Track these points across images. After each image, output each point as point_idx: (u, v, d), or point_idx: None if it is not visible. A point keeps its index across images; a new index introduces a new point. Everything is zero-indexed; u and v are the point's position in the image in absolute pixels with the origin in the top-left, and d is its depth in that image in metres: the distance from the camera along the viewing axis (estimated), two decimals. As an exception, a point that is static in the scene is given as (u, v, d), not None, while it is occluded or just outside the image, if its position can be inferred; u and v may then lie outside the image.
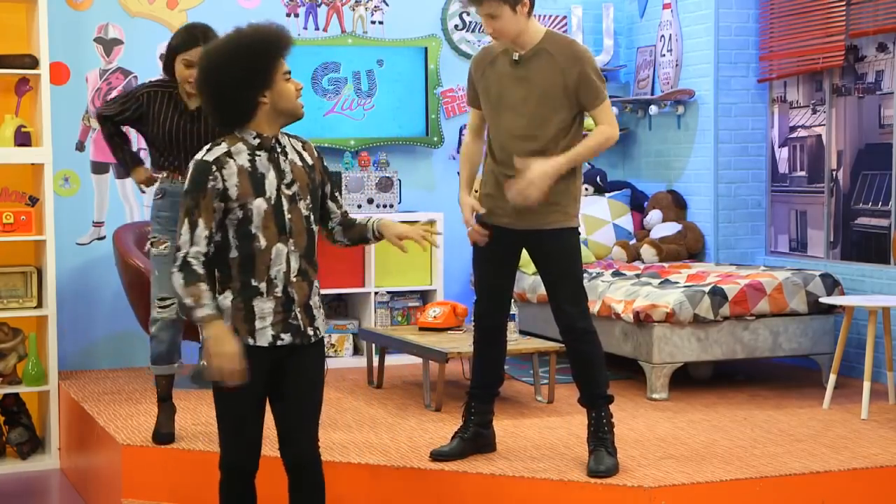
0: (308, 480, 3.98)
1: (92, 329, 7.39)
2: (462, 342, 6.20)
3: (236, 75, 3.80)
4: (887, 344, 6.13)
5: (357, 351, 7.55)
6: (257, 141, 3.88)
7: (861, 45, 6.90)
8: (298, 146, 4.00)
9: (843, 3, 6.91)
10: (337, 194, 4.12)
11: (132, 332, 7.14)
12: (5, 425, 6.82)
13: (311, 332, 3.93)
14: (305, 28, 7.77)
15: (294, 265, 3.90)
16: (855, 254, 6.99)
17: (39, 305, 6.74)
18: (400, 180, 7.70)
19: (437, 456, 5.06)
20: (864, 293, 6.76)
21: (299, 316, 3.91)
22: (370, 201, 7.54)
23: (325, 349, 4.03)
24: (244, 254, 3.84)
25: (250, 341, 3.85)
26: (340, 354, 7.49)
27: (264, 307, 3.86)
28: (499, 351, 5.20)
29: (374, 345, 6.79)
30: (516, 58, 4.89)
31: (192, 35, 5.38)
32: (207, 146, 3.88)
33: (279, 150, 3.92)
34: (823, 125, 7.21)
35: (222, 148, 3.84)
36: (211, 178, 3.79)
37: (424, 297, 7.70)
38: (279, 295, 3.87)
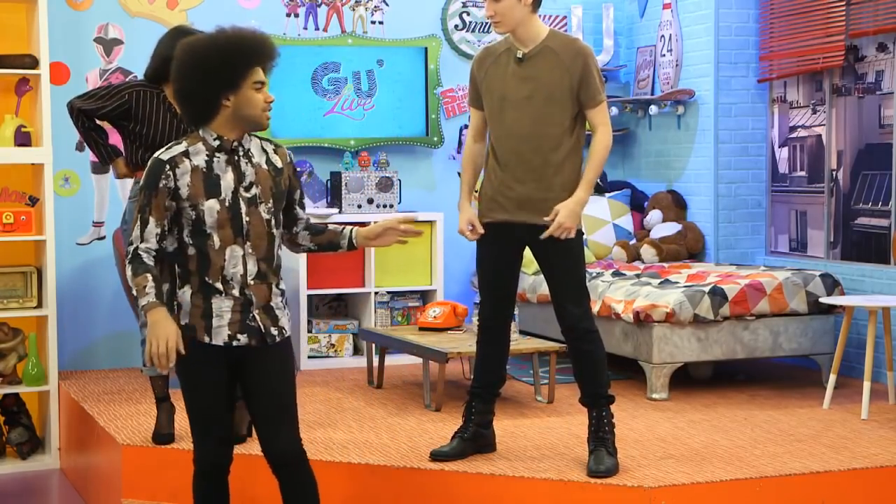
0: (294, 478, 3.96)
1: (92, 329, 7.39)
2: (462, 342, 6.20)
3: (203, 73, 3.79)
4: (887, 344, 6.13)
5: (357, 351, 7.55)
6: (217, 143, 3.87)
7: (861, 45, 6.90)
8: (270, 149, 3.97)
9: (843, 3, 6.91)
10: (303, 200, 4.09)
11: (132, 332, 7.13)
12: (5, 425, 6.82)
13: (274, 332, 3.92)
14: (305, 28, 7.76)
15: (251, 268, 3.88)
16: (855, 254, 6.99)
17: (39, 305, 6.74)
18: (400, 180, 7.70)
19: (436, 456, 5.06)
20: (864, 293, 6.76)
21: (258, 318, 3.89)
22: (370, 201, 7.54)
23: (292, 347, 4.03)
24: (199, 252, 3.86)
25: (206, 339, 3.86)
26: (340, 354, 7.49)
27: (222, 305, 3.87)
28: (501, 351, 5.19)
29: (374, 345, 6.79)
30: (520, 56, 4.88)
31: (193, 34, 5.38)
32: (168, 144, 3.90)
33: (242, 153, 3.89)
34: (823, 125, 7.21)
35: (181, 147, 3.86)
36: (163, 177, 3.81)
37: (424, 297, 7.69)
38: (237, 296, 3.87)
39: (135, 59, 7.36)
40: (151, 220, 3.81)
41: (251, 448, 3.96)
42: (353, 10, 7.88)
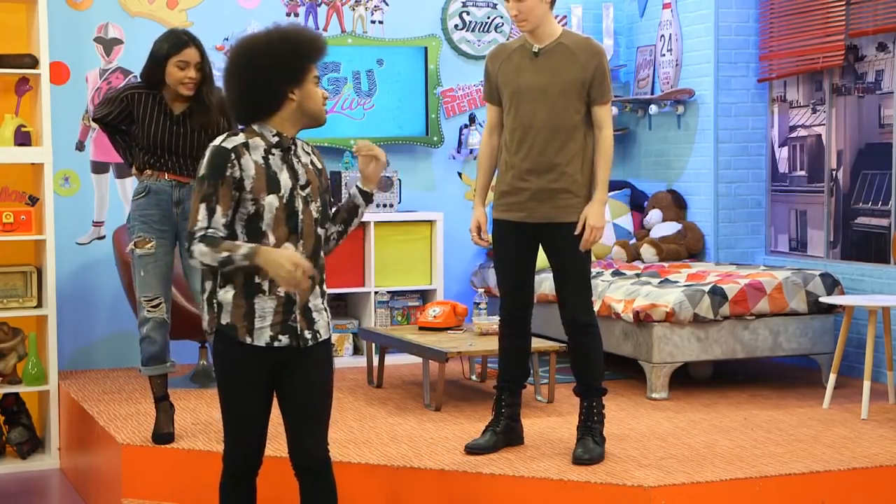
0: (318, 485, 3.94)
1: (92, 329, 7.39)
2: (462, 342, 6.20)
3: (273, 65, 3.77)
4: (887, 344, 6.13)
5: (357, 351, 7.55)
6: (276, 139, 3.84)
7: (861, 45, 6.90)
8: (309, 149, 3.97)
9: (843, 2, 6.91)
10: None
11: (132, 332, 7.10)
12: (5, 425, 6.82)
13: (308, 336, 3.88)
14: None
15: None
16: (855, 253, 6.99)
17: (39, 305, 6.74)
18: (400, 180, 7.70)
19: (472, 449, 5.13)
20: (864, 293, 6.76)
21: (297, 318, 3.85)
22: (370, 201, 7.54)
23: (331, 353, 3.98)
24: None
25: (248, 340, 3.81)
26: (340, 354, 7.50)
27: (265, 306, 3.81)
28: (525, 344, 5.29)
29: (374, 344, 6.79)
30: (536, 50, 5.00)
31: (181, 37, 5.37)
32: (224, 135, 3.84)
33: (294, 151, 3.88)
34: (823, 125, 7.21)
35: (240, 139, 3.81)
36: (230, 165, 3.75)
37: (424, 296, 7.70)
38: (281, 295, 3.82)
39: (135, 59, 7.34)
40: (219, 209, 3.74)
41: (279, 450, 3.93)
42: (353, 9, 7.88)
